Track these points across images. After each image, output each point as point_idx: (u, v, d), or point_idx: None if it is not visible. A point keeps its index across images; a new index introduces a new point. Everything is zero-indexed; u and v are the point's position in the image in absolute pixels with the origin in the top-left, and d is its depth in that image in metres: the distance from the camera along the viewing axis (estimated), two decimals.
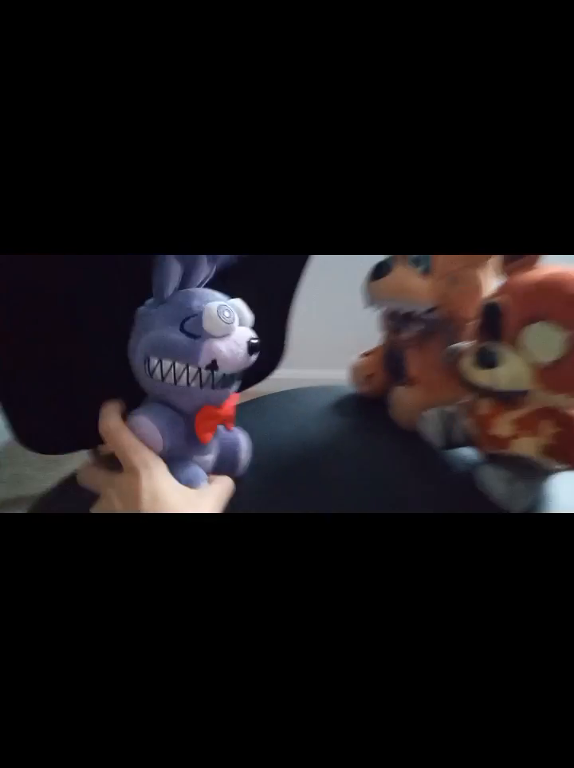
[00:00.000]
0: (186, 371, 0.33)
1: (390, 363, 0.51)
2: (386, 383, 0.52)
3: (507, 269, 0.38)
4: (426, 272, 0.44)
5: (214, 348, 0.33)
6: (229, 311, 0.33)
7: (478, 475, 0.38)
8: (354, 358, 0.57)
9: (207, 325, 0.32)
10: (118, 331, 0.37)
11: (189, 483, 0.34)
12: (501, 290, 0.36)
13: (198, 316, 0.33)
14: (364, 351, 0.56)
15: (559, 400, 0.34)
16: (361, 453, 0.46)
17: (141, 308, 0.36)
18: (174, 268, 0.34)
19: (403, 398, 0.47)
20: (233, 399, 0.38)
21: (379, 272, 0.46)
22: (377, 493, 0.41)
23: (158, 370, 0.33)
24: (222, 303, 0.33)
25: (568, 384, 0.33)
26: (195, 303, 0.34)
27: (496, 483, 0.36)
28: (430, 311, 0.45)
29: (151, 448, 0.33)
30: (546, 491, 0.39)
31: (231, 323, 0.33)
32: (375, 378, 0.53)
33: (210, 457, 0.39)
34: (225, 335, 0.33)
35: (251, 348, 0.34)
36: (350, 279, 0.60)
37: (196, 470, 0.36)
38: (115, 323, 0.37)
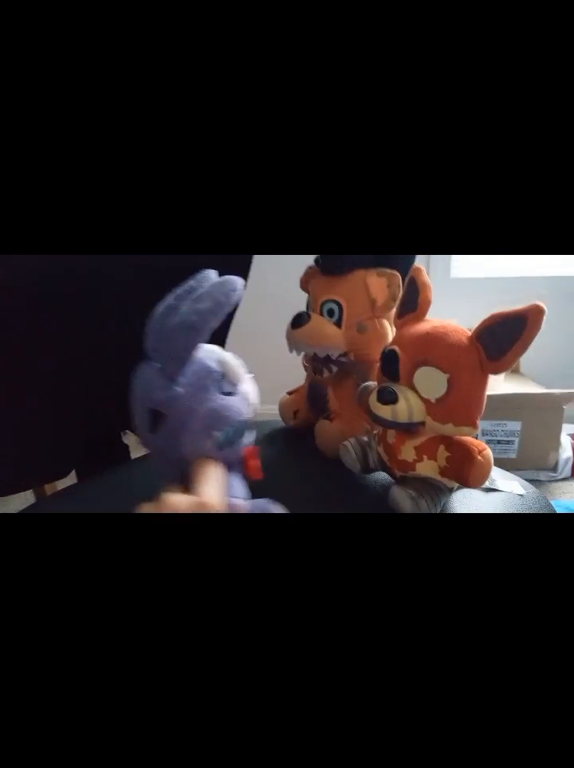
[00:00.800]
0: (242, 427, 0.35)
1: (313, 400, 0.58)
2: (310, 417, 0.58)
3: (399, 322, 0.46)
4: (338, 322, 0.52)
5: (251, 396, 0.35)
6: (233, 357, 0.35)
7: (390, 496, 0.44)
8: (282, 395, 0.63)
9: (234, 377, 0.34)
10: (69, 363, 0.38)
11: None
12: (396, 340, 0.44)
13: (220, 372, 0.34)
14: (290, 390, 0.63)
15: (447, 429, 0.41)
16: (290, 479, 0.52)
17: (160, 393, 0.33)
18: (202, 340, 0.33)
19: (326, 430, 0.54)
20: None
21: (298, 321, 0.53)
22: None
23: (225, 439, 0.34)
24: (223, 351, 0.35)
25: (452, 415, 0.40)
26: (209, 362, 0.34)
27: (404, 501, 0.43)
28: (344, 354, 0.53)
29: None
30: (446, 506, 0.47)
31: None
32: (300, 413, 0.59)
33: None
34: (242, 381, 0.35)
35: None
36: (278, 324, 0.66)
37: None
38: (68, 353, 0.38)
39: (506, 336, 0.37)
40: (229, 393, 0.34)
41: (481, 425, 0.42)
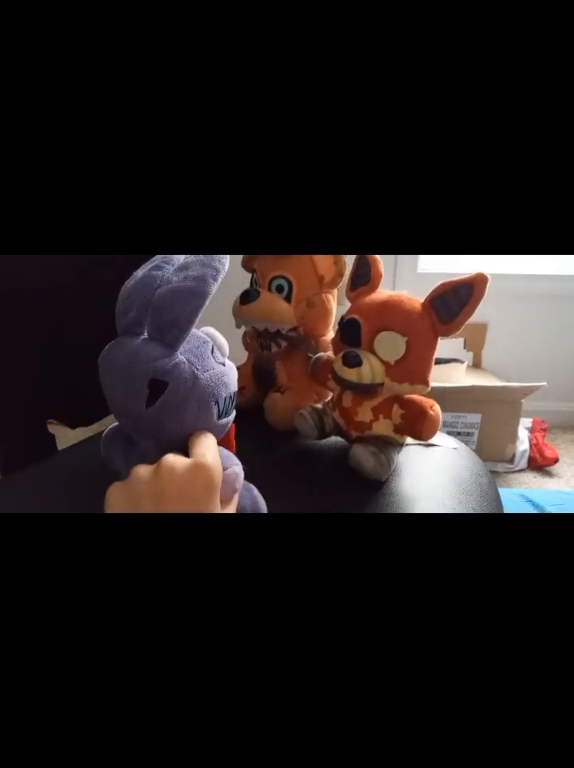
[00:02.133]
0: (234, 398, 0.35)
1: (260, 376, 0.59)
2: (256, 394, 0.60)
3: (352, 295, 0.49)
4: (288, 298, 0.54)
5: (234, 367, 0.35)
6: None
7: (350, 454, 0.48)
8: None
9: (223, 348, 0.34)
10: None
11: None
12: (354, 309, 0.47)
13: (211, 343, 0.34)
14: None
15: (403, 388, 0.45)
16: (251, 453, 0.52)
17: (160, 362, 0.32)
18: (204, 304, 0.32)
19: (278, 404, 0.56)
20: None
21: (246, 297, 0.54)
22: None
23: (225, 409, 0.33)
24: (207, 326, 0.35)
25: (409, 376, 0.45)
26: (200, 334, 0.34)
27: (366, 458, 0.46)
28: (293, 329, 0.55)
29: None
30: (400, 460, 0.51)
31: None
32: (247, 390, 0.60)
33: None
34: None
35: None
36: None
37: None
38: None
39: (456, 302, 0.42)
40: (221, 363, 0.34)
41: (443, 416, 0.47)
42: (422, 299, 0.44)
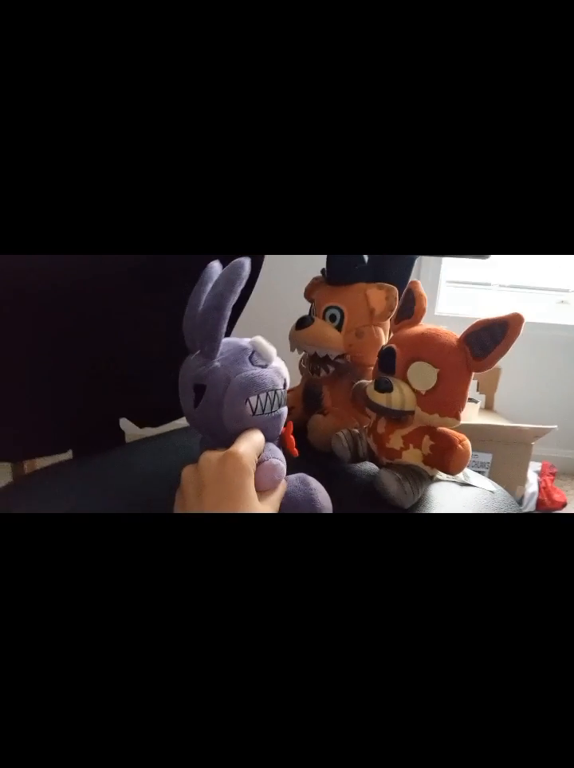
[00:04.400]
0: (276, 397, 0.38)
1: (308, 398, 0.62)
2: (303, 415, 0.63)
3: (396, 327, 0.52)
4: (339, 326, 0.57)
5: (282, 370, 0.39)
6: (265, 340, 0.39)
7: (376, 478, 0.49)
8: None
9: (266, 354, 0.38)
10: None
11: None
12: (393, 339, 0.50)
13: (252, 351, 0.38)
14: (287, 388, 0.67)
15: (433, 419, 0.46)
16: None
17: (200, 369, 0.37)
18: (225, 316, 0.37)
19: (319, 424, 0.58)
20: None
21: (302, 323, 0.58)
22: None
23: (259, 405, 0.37)
24: (256, 336, 0.39)
25: (439, 407, 0.46)
26: (242, 342, 0.39)
27: (390, 484, 0.47)
28: (341, 356, 0.58)
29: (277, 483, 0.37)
30: (428, 491, 0.51)
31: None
32: (295, 410, 0.64)
33: None
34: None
35: None
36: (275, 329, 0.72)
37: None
38: None
39: (490, 339, 0.43)
40: (262, 367, 0.38)
41: None
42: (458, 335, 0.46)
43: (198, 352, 0.39)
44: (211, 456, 0.34)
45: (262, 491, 0.35)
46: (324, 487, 0.41)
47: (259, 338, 0.39)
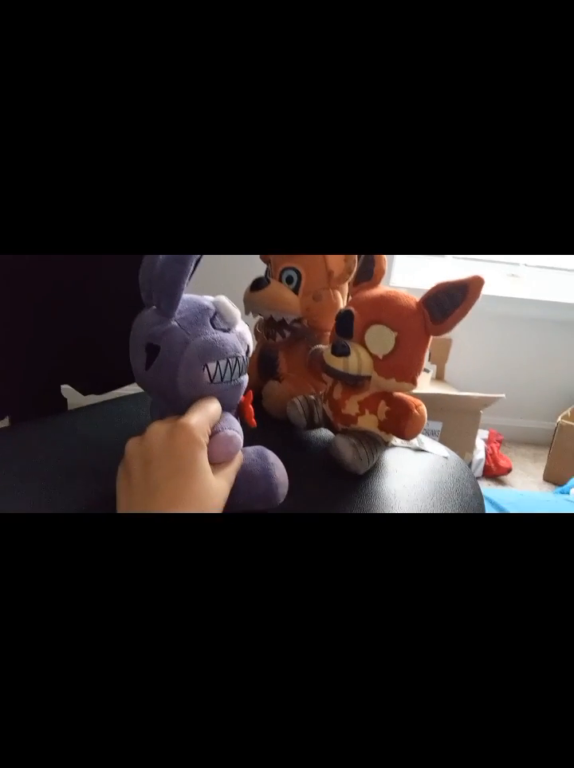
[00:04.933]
0: (237, 364, 0.35)
1: (263, 364, 0.60)
2: (259, 380, 0.61)
3: (355, 290, 0.50)
4: (296, 289, 0.55)
5: (245, 335, 0.36)
6: (229, 300, 0.35)
7: (331, 444, 0.48)
8: None
9: (229, 317, 0.35)
10: None
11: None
12: (352, 302, 0.48)
13: (215, 311, 0.35)
14: None
15: (390, 384, 0.45)
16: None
17: (155, 327, 0.34)
18: (187, 270, 0.33)
19: (274, 391, 0.57)
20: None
21: (257, 285, 0.56)
22: None
23: (218, 373, 0.34)
24: (219, 295, 0.36)
25: (396, 372, 0.45)
26: (204, 302, 0.35)
27: (345, 449, 0.46)
28: (297, 320, 0.56)
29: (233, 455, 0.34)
30: (383, 457, 0.51)
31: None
32: (251, 376, 0.62)
33: None
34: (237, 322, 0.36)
35: None
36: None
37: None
38: None
39: (449, 302, 0.42)
40: (224, 330, 0.35)
41: None
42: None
43: (153, 308, 0.35)
44: (159, 428, 0.32)
45: (216, 464, 0.33)
46: (280, 456, 0.39)
47: (223, 298, 0.35)
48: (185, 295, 0.34)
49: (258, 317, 0.60)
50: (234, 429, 0.36)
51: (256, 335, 0.63)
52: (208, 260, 0.61)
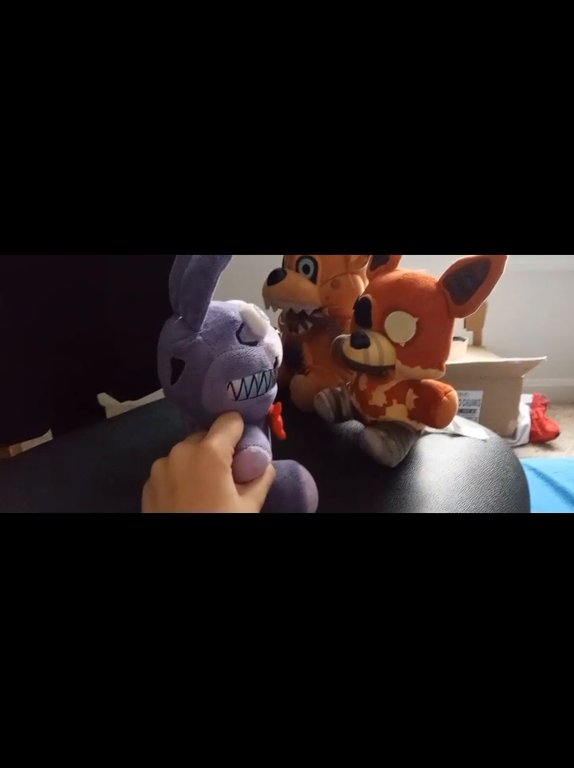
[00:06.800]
0: (263, 379, 0.34)
1: (288, 357, 0.59)
2: (284, 375, 0.60)
3: (372, 274, 0.48)
4: (313, 278, 0.53)
5: (274, 347, 0.34)
6: (258, 309, 0.34)
7: (360, 438, 0.47)
8: None
9: (257, 328, 0.33)
10: None
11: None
12: (369, 289, 0.46)
13: (242, 324, 0.33)
14: None
15: (415, 372, 0.43)
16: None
17: (180, 342, 0.33)
18: (213, 283, 0.32)
19: (301, 384, 0.56)
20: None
21: (274, 277, 0.54)
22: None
23: (242, 390, 0.33)
24: (247, 304, 0.34)
25: (421, 358, 0.42)
26: (231, 313, 0.34)
27: (374, 443, 0.45)
28: (318, 310, 0.55)
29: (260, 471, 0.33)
30: (417, 446, 0.49)
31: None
32: (276, 369, 0.61)
33: None
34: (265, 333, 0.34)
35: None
36: (251, 285, 0.68)
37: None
38: None
39: (471, 280, 0.39)
40: (251, 344, 0.34)
41: None
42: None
43: (180, 318, 0.34)
44: (183, 453, 0.31)
45: (244, 483, 0.32)
46: (310, 451, 0.38)
47: (250, 308, 0.34)
48: (213, 304, 0.33)
49: (279, 310, 0.58)
50: (259, 443, 0.34)
51: (280, 327, 0.62)
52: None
